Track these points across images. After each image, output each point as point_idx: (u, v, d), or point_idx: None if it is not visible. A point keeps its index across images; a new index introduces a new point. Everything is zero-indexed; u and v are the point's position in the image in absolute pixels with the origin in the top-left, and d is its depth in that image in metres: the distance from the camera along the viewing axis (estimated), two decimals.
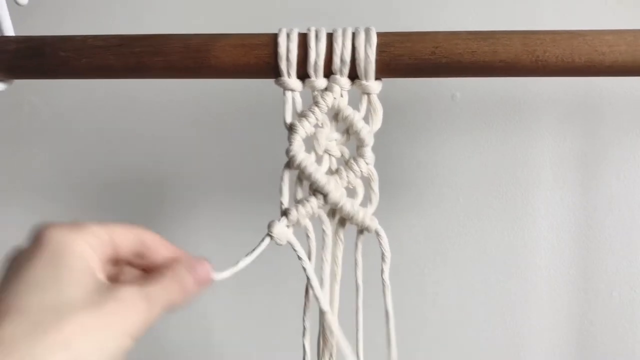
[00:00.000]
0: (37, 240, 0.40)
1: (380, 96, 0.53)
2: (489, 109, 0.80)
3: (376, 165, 0.53)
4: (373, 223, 0.52)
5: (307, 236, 0.52)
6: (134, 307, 0.40)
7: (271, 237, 0.51)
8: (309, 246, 0.53)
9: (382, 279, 0.53)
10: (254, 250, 0.50)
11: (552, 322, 0.83)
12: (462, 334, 0.84)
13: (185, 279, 0.44)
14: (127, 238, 0.44)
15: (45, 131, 0.86)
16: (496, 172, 0.81)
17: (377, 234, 0.52)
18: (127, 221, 0.44)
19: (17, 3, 0.58)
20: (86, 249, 0.41)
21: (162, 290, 0.42)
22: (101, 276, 0.41)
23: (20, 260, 0.40)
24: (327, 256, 0.53)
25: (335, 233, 0.53)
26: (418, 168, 0.81)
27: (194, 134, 0.84)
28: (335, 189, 0.51)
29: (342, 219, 0.53)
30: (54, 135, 0.86)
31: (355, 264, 0.54)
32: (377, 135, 0.53)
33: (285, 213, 0.52)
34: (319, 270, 0.53)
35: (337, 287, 0.55)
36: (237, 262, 0.49)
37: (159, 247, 0.45)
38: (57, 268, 0.39)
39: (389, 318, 0.54)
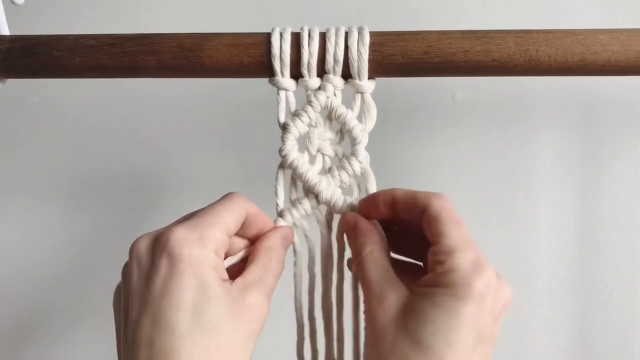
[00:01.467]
0: (169, 256, 0.41)
1: (380, 96, 0.53)
2: (489, 109, 0.80)
3: (375, 165, 0.52)
4: None
5: (306, 236, 0.52)
6: (263, 311, 0.44)
7: None
8: (308, 246, 0.53)
9: None
10: None
11: (552, 322, 0.83)
12: None
13: (281, 262, 0.48)
14: (237, 222, 0.46)
15: (45, 131, 0.86)
16: (496, 172, 0.81)
17: None
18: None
19: (13, 3, 0.57)
20: (216, 260, 0.43)
21: (273, 279, 0.46)
22: (226, 276, 0.44)
23: (161, 278, 0.41)
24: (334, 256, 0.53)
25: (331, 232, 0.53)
26: (418, 168, 0.81)
27: (194, 134, 0.84)
28: (327, 188, 0.51)
29: None
30: (54, 135, 0.86)
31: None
32: (377, 135, 0.53)
33: (280, 215, 0.52)
34: (324, 268, 0.53)
35: (333, 289, 0.54)
36: None
37: (257, 219, 0.48)
38: (203, 290, 0.41)
39: None
